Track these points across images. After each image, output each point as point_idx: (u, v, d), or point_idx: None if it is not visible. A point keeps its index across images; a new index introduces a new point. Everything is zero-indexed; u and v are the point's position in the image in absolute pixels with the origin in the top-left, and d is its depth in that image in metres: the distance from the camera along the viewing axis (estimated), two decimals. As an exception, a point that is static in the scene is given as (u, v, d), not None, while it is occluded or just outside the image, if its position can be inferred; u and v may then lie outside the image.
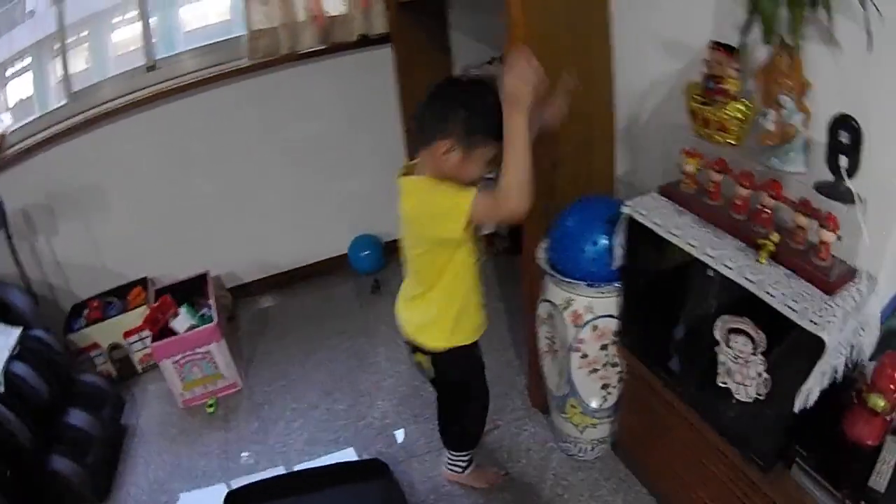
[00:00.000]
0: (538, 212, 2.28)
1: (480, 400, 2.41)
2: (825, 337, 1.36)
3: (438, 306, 2.06)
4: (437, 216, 1.83)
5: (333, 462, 2.79)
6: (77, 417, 2.80)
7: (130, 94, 3.51)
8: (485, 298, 2.14)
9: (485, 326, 2.19)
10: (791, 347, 1.49)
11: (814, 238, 1.48)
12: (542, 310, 2.37)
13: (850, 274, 1.48)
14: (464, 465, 2.54)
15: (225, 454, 2.94)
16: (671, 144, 1.87)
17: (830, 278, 1.44)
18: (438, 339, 2.10)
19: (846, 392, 1.53)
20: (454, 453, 2.53)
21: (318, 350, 3.54)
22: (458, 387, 2.32)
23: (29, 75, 3.59)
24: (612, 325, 2.20)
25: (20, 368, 2.68)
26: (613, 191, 2.48)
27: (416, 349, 2.18)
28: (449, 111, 1.76)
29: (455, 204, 1.76)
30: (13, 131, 3.42)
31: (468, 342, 2.14)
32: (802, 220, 1.48)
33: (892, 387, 1.43)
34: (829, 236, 1.42)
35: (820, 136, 1.45)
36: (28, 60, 3.54)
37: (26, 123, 3.48)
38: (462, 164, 1.79)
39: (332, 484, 2.49)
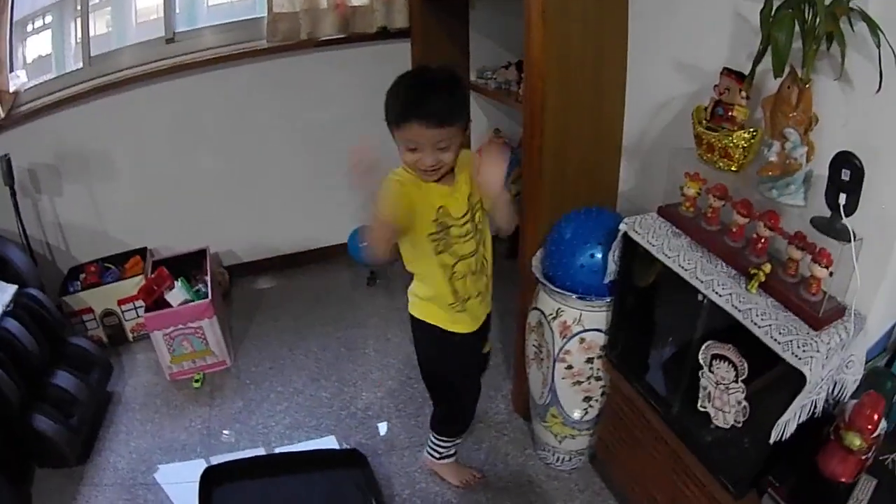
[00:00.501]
0: (538, 219, 2.31)
1: (461, 391, 2.37)
2: (807, 371, 1.36)
3: (417, 285, 2.19)
4: None
5: (312, 448, 2.80)
6: (64, 379, 2.81)
7: (148, 64, 3.52)
8: (462, 303, 2.12)
9: (456, 327, 2.16)
10: (773, 378, 1.49)
11: (805, 272, 1.47)
12: (532, 318, 2.38)
13: (840, 311, 1.48)
14: (440, 452, 2.54)
15: (207, 430, 2.95)
16: (675, 165, 1.87)
17: (819, 313, 1.43)
18: (414, 306, 2.21)
19: (824, 427, 1.52)
20: (434, 436, 2.52)
21: (308, 336, 3.55)
22: (423, 360, 2.33)
23: (48, 34, 3.59)
24: (600, 339, 2.20)
25: (12, 325, 2.69)
26: (616, 205, 2.49)
27: None
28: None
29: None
30: (27, 89, 3.42)
31: (437, 324, 2.15)
32: (796, 253, 1.47)
33: (869, 427, 1.42)
34: (821, 272, 1.41)
35: (822, 170, 1.44)
36: (49, 19, 3.54)
37: (41, 83, 3.49)
38: (399, 150, 1.92)
39: (308, 469, 2.51)
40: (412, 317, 2.21)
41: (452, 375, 2.31)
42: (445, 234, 1.98)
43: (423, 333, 2.20)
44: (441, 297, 2.09)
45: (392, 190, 1.94)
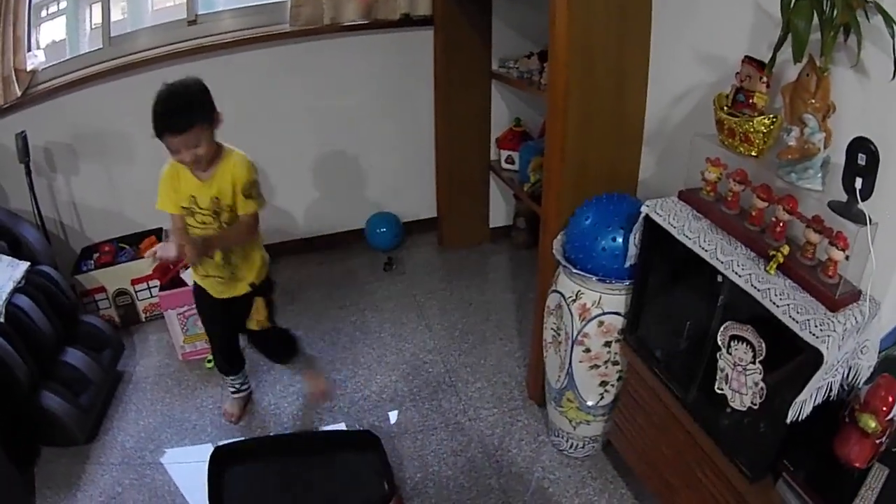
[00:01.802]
0: (559, 204, 2.38)
1: (209, 334, 2.95)
2: (824, 350, 1.41)
3: None
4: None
5: (324, 430, 2.88)
6: (75, 357, 2.88)
7: (169, 45, 3.60)
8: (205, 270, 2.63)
9: (205, 284, 2.71)
10: (789, 359, 1.54)
11: (823, 255, 1.53)
12: (552, 300, 2.45)
13: (855, 295, 1.53)
14: (227, 386, 3.05)
15: (218, 411, 3.02)
16: (696, 151, 1.93)
17: (835, 295, 1.49)
18: None
19: (839, 412, 1.57)
20: None
21: (324, 319, 3.63)
22: None
23: (62, 20, 3.68)
24: (618, 322, 2.27)
25: (23, 302, 2.77)
26: (636, 191, 2.55)
27: None
28: None
29: (159, 199, 2.57)
30: (45, 68, 3.50)
31: (194, 277, 2.74)
32: (813, 237, 1.54)
33: (884, 409, 1.47)
34: (837, 254, 1.47)
35: (839, 156, 1.50)
36: (63, 4, 3.64)
37: (60, 62, 3.57)
38: None
39: (320, 450, 2.57)
40: None
41: (199, 316, 2.94)
42: (188, 221, 2.55)
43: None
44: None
45: (165, 173, 2.53)
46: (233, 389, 2.99)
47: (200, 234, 2.51)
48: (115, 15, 3.68)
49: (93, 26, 3.68)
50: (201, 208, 2.51)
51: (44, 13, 3.59)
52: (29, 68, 3.41)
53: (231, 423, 2.94)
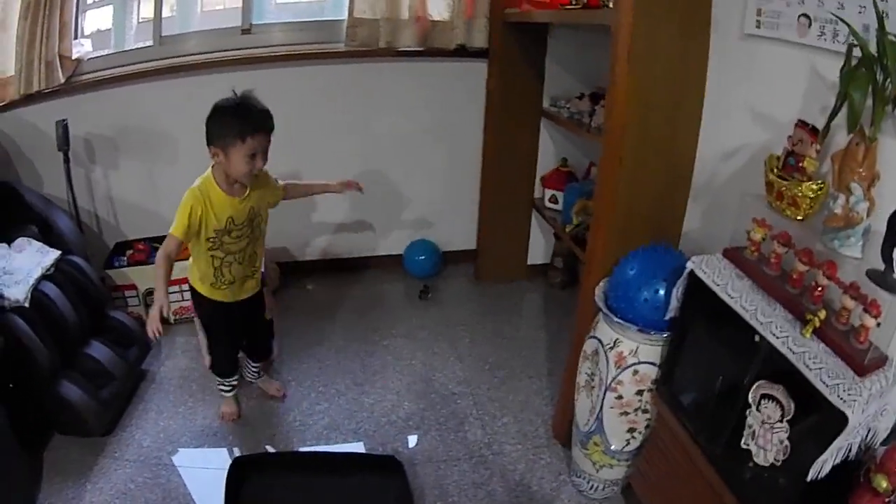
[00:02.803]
0: (605, 250, 2.49)
1: (217, 341, 3.02)
2: (850, 413, 1.51)
3: (191, 267, 2.89)
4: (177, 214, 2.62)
5: (347, 451, 2.94)
6: (99, 351, 3.00)
7: (222, 51, 3.74)
8: (219, 277, 2.80)
9: (218, 295, 2.86)
10: (815, 420, 1.64)
11: (856, 321, 1.63)
12: (589, 346, 2.56)
13: (882, 361, 1.63)
14: (221, 388, 3.14)
15: (242, 421, 3.12)
16: (743, 210, 2.03)
17: (864, 361, 1.59)
18: (191, 277, 2.91)
19: (855, 472, 1.66)
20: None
21: (356, 341, 3.74)
22: (197, 314, 3.01)
23: (109, 9, 3.80)
24: (652, 372, 2.37)
25: (51, 289, 2.88)
26: (678, 243, 2.65)
27: None
28: (206, 126, 2.58)
29: (175, 224, 2.62)
30: (91, 58, 3.65)
31: (201, 292, 2.86)
32: (849, 303, 1.63)
33: None
34: (870, 321, 1.57)
35: (879, 225, 1.61)
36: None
37: (107, 54, 3.72)
38: (228, 162, 2.56)
39: (343, 471, 2.65)
40: (190, 284, 2.91)
41: (210, 328, 3.00)
42: (220, 240, 2.70)
43: (194, 296, 2.90)
44: (206, 278, 2.81)
45: (189, 203, 2.60)
46: (228, 388, 3.12)
47: (235, 248, 2.75)
48: (164, 12, 3.82)
49: (140, 20, 3.82)
50: (237, 225, 2.71)
51: (91, 0, 3.71)
52: (74, 56, 3.55)
53: (233, 422, 3.14)
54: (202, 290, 2.84)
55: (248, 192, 2.70)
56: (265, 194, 2.82)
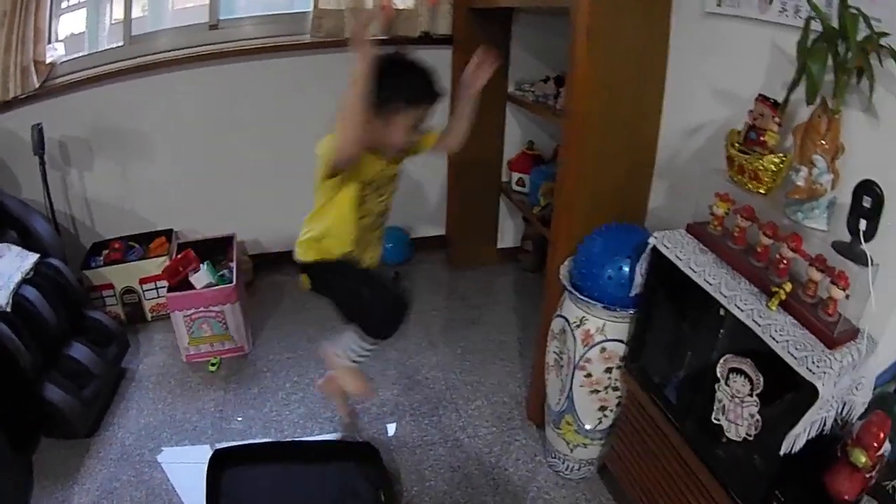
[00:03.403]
0: (569, 230, 2.43)
1: (374, 298, 2.51)
2: (820, 386, 1.45)
3: (311, 226, 2.40)
4: (326, 151, 2.10)
5: (324, 439, 2.90)
6: (79, 351, 2.92)
7: (190, 48, 3.66)
8: (363, 237, 2.41)
9: (355, 254, 2.42)
10: (786, 393, 1.59)
11: (824, 293, 1.57)
12: (556, 325, 2.50)
13: (853, 333, 1.57)
14: (355, 354, 2.61)
15: (220, 414, 3.05)
16: (706, 186, 1.98)
17: (834, 333, 1.53)
18: (306, 252, 2.43)
19: (831, 446, 1.61)
20: (358, 341, 2.58)
21: (329, 330, 3.51)
22: (340, 294, 2.54)
23: (82, 13, 3.73)
24: (620, 349, 2.31)
25: (31, 293, 2.81)
26: (644, 221, 2.59)
27: (302, 271, 2.52)
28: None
29: (328, 149, 2.09)
30: (64, 62, 3.57)
31: (330, 258, 2.39)
32: (816, 275, 1.58)
33: (875, 445, 1.51)
34: (838, 293, 1.52)
35: (845, 197, 1.55)
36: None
37: (79, 57, 3.64)
38: (385, 129, 2.16)
39: (319, 459, 2.60)
40: (308, 264, 2.44)
41: (358, 279, 2.49)
42: (371, 191, 2.31)
43: (324, 271, 2.45)
44: (343, 230, 2.34)
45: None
46: (367, 354, 2.67)
47: (380, 210, 2.43)
48: (136, 12, 3.74)
49: (113, 21, 3.75)
50: (379, 187, 2.36)
51: (64, 4, 3.65)
52: (48, 61, 3.47)
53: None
54: (333, 250, 2.39)
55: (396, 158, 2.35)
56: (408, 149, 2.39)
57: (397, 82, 2.11)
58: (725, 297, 1.75)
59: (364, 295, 2.49)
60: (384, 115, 2.12)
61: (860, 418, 1.62)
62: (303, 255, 2.44)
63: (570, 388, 2.43)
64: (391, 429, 2.99)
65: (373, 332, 2.55)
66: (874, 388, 1.66)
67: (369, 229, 2.43)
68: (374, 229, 2.47)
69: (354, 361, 2.63)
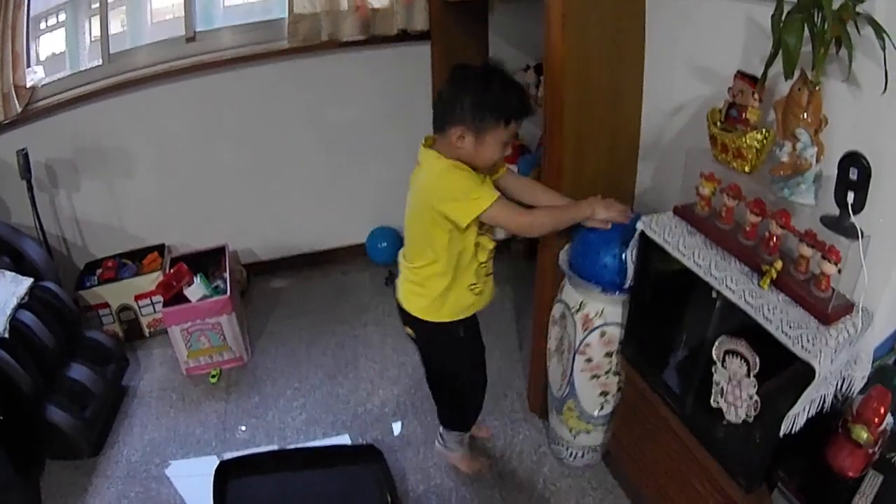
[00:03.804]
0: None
1: (469, 382, 2.49)
2: (815, 364, 1.41)
3: (429, 281, 2.20)
4: (452, 198, 1.98)
5: (328, 444, 2.87)
6: (79, 372, 2.89)
7: (168, 62, 3.60)
8: (481, 279, 2.27)
9: (477, 307, 2.31)
10: (783, 373, 1.55)
11: (816, 269, 1.53)
12: (556, 310, 2.46)
13: (848, 307, 1.53)
14: (452, 444, 2.64)
15: (222, 425, 3.02)
16: (691, 166, 1.93)
17: (828, 309, 1.49)
18: (423, 310, 2.24)
19: (832, 422, 1.58)
20: (444, 429, 2.63)
21: (326, 334, 3.63)
22: (440, 362, 2.43)
23: (62, 32, 3.67)
24: (620, 333, 2.27)
25: (27, 317, 2.77)
26: (633, 206, 2.54)
27: (405, 321, 2.33)
28: (457, 98, 1.97)
29: (476, 197, 1.95)
30: (45, 84, 3.51)
31: (453, 319, 2.26)
32: (806, 251, 1.53)
33: (876, 420, 1.48)
34: (830, 268, 1.48)
35: (831, 170, 1.50)
36: (63, 17, 3.63)
37: (59, 79, 3.57)
38: (476, 148, 1.99)
39: (324, 464, 2.55)
40: (427, 323, 2.27)
41: (470, 371, 2.45)
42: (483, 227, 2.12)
43: (436, 333, 2.29)
44: (462, 285, 2.20)
45: (464, 171, 2.01)
46: (464, 444, 2.68)
47: (493, 245, 2.23)
48: (115, 27, 3.68)
49: (92, 39, 3.68)
50: None
51: (43, 25, 3.59)
52: (28, 84, 3.41)
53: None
54: (456, 307, 2.24)
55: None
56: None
57: (491, 99, 1.96)
58: (716, 278, 1.71)
59: (461, 381, 2.48)
60: (477, 133, 1.98)
61: (860, 393, 1.59)
62: (421, 312, 2.27)
63: (571, 374, 2.39)
64: (395, 428, 2.96)
65: (449, 423, 2.59)
66: (873, 362, 1.62)
67: (487, 271, 2.29)
68: (490, 272, 2.32)
69: (458, 449, 2.66)
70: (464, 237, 2.08)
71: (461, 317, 2.27)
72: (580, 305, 2.31)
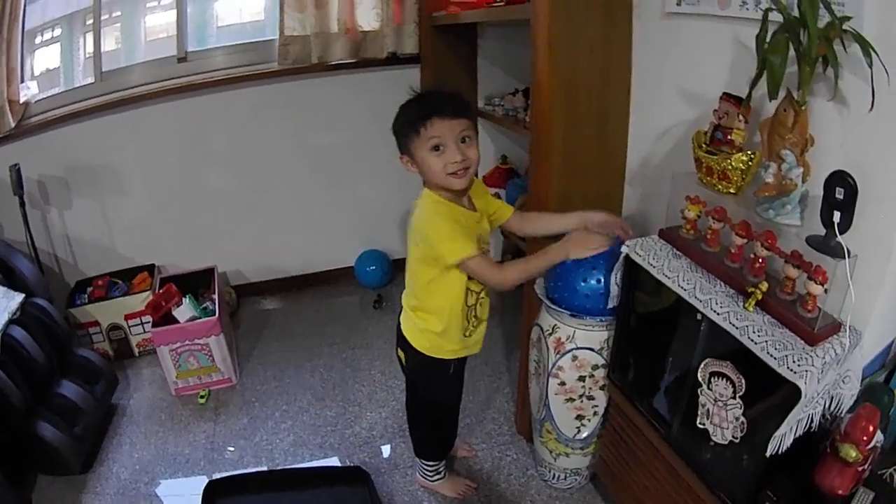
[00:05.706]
0: (543, 242, 2.34)
1: (447, 409, 2.51)
2: (801, 385, 1.39)
3: (426, 321, 2.17)
4: (438, 241, 1.95)
5: (316, 465, 2.84)
6: (69, 389, 2.86)
7: (160, 82, 3.61)
8: (472, 323, 2.23)
9: (469, 351, 2.31)
10: (770, 393, 1.52)
11: (802, 289, 1.51)
12: (534, 333, 2.44)
13: (835, 327, 1.51)
14: (430, 473, 2.62)
15: (211, 446, 2.98)
16: (677, 190, 1.91)
17: (814, 329, 1.47)
18: (419, 341, 2.22)
19: (821, 442, 1.56)
20: (421, 461, 2.61)
21: (314, 356, 3.60)
22: (424, 390, 2.41)
23: (56, 47, 3.68)
24: (592, 358, 2.25)
25: (18, 333, 2.75)
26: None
27: (400, 343, 2.31)
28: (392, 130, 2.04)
29: (455, 247, 1.93)
30: (38, 101, 3.52)
31: (445, 358, 2.25)
32: (792, 272, 1.51)
33: (864, 438, 1.45)
34: (816, 289, 1.45)
35: (817, 190, 1.48)
36: (58, 31, 3.63)
37: (52, 95, 3.58)
38: (421, 168, 2.00)
39: (311, 485, 2.52)
40: (420, 354, 2.24)
41: (450, 404, 2.48)
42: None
43: (430, 369, 2.27)
44: (455, 324, 2.16)
45: (444, 213, 1.99)
46: (442, 470, 2.65)
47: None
48: (110, 44, 3.70)
49: (87, 55, 3.69)
50: (486, 244, 2.15)
51: (38, 40, 3.59)
52: (22, 100, 3.42)
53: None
54: (446, 348, 2.22)
55: (477, 208, 2.12)
56: (486, 206, 2.19)
57: (399, 121, 2.02)
58: (701, 300, 1.68)
59: (439, 408, 2.47)
60: (410, 154, 2.01)
61: (849, 411, 1.57)
62: (416, 341, 2.24)
63: (546, 396, 2.37)
64: (383, 451, 2.92)
65: (424, 453, 2.60)
66: (863, 379, 1.60)
67: (475, 313, 2.24)
68: (482, 319, 2.29)
69: (438, 476, 2.64)
70: (451, 276, 2.06)
71: (454, 357, 2.26)
72: (552, 329, 2.30)
